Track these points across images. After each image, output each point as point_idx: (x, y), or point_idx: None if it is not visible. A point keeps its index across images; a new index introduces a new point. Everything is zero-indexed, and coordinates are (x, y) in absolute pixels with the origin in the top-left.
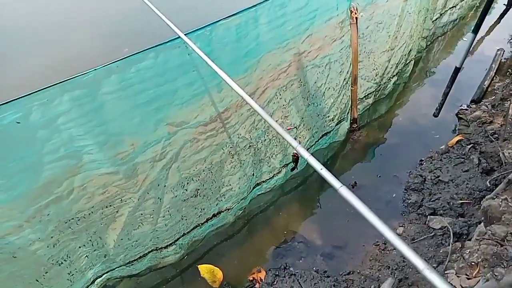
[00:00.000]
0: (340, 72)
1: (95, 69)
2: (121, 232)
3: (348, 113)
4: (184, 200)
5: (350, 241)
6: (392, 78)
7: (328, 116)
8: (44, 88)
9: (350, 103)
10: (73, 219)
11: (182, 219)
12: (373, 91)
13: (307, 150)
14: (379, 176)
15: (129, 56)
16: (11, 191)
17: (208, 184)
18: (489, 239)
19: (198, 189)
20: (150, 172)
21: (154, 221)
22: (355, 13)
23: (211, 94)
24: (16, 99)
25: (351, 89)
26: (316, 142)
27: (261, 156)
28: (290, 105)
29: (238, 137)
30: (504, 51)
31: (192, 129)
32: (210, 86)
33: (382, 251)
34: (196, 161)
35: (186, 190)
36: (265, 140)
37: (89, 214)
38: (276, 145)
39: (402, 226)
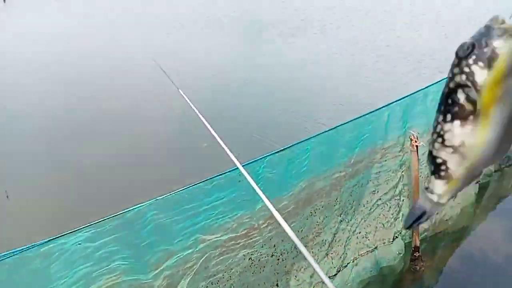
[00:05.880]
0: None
1: (140, 206)
2: None
3: (397, 236)
4: None
5: None
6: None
7: (366, 236)
8: (96, 222)
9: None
10: None
11: None
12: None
13: (344, 267)
14: None
15: (189, 186)
16: None
17: None
18: None
19: None
20: (173, 281)
21: None
22: (415, 141)
23: (246, 211)
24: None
25: None
26: (352, 261)
27: (287, 268)
28: (323, 221)
29: (262, 247)
30: None
31: (221, 240)
32: (247, 206)
33: None
34: (217, 267)
35: None
36: (291, 252)
37: None
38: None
39: None
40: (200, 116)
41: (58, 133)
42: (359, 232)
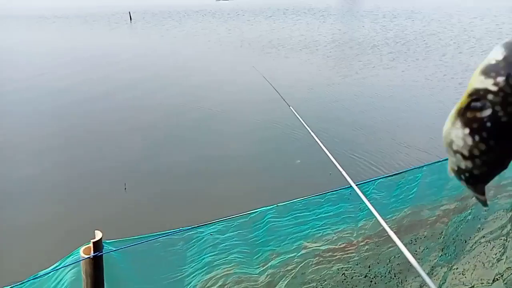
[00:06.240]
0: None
1: (263, 208)
2: None
3: (498, 278)
4: None
5: None
6: None
7: (463, 273)
8: (229, 218)
9: None
10: None
11: None
12: None
13: None
14: None
15: (307, 197)
16: None
17: None
18: None
19: None
20: (274, 279)
21: None
22: None
23: (348, 227)
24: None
25: None
26: None
27: None
28: (422, 252)
29: (357, 264)
30: None
31: (320, 249)
32: (350, 222)
33: None
34: (312, 276)
35: None
36: (385, 276)
37: None
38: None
39: None
40: (313, 135)
41: (178, 137)
42: (456, 268)
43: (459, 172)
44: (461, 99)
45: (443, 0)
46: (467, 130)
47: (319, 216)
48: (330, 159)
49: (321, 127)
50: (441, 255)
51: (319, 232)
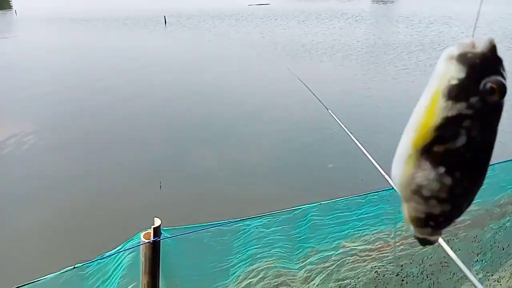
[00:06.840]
0: None
1: (306, 206)
2: None
3: None
4: None
5: None
6: None
7: (498, 281)
8: (275, 213)
9: None
10: None
11: None
12: None
13: None
14: None
15: (349, 197)
16: None
17: None
18: None
19: None
20: (311, 275)
21: None
22: None
23: (386, 228)
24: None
25: None
26: None
27: None
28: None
29: (390, 263)
30: None
31: (357, 249)
32: (388, 223)
33: None
34: (347, 273)
35: None
36: (417, 276)
37: None
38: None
39: None
40: (353, 137)
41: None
42: (492, 275)
43: (428, 219)
44: (415, 135)
45: (484, 6)
46: (442, 169)
47: (359, 216)
48: (370, 160)
49: (358, 130)
50: (477, 260)
51: (358, 233)
